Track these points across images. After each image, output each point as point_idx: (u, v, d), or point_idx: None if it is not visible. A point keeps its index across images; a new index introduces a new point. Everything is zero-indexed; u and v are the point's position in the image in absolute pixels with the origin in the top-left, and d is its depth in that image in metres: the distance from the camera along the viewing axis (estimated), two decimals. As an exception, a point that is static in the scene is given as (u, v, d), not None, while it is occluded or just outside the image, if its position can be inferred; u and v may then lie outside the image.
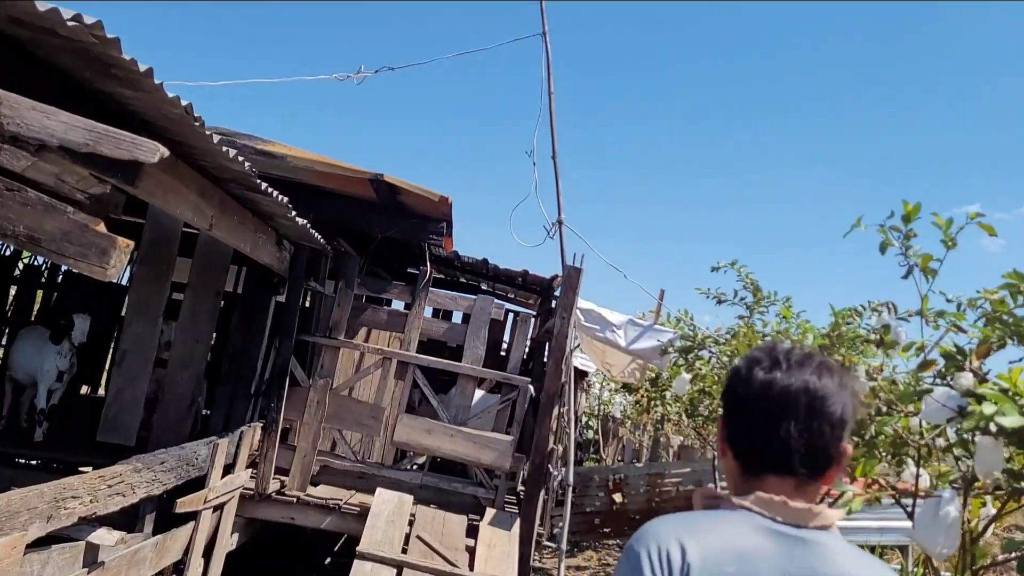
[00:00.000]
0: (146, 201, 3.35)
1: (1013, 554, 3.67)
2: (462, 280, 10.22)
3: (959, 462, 4.08)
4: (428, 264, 6.73)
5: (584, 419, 19.17)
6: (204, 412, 6.97)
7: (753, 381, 1.44)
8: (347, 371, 7.30)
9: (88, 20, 2.24)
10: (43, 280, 10.19)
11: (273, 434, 6.13)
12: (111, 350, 8.05)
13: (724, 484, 1.73)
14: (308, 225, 4.98)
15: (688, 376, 6.60)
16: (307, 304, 7.19)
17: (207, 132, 2.93)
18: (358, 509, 6.24)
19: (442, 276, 10.33)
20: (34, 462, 6.29)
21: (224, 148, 3.15)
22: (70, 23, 2.21)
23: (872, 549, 10.02)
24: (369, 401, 6.85)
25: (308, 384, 6.49)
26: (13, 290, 9.89)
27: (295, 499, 6.30)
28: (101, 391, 9.64)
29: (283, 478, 6.39)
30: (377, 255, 8.82)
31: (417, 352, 7.26)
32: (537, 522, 6.70)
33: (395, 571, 5.52)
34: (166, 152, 2.32)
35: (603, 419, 20.95)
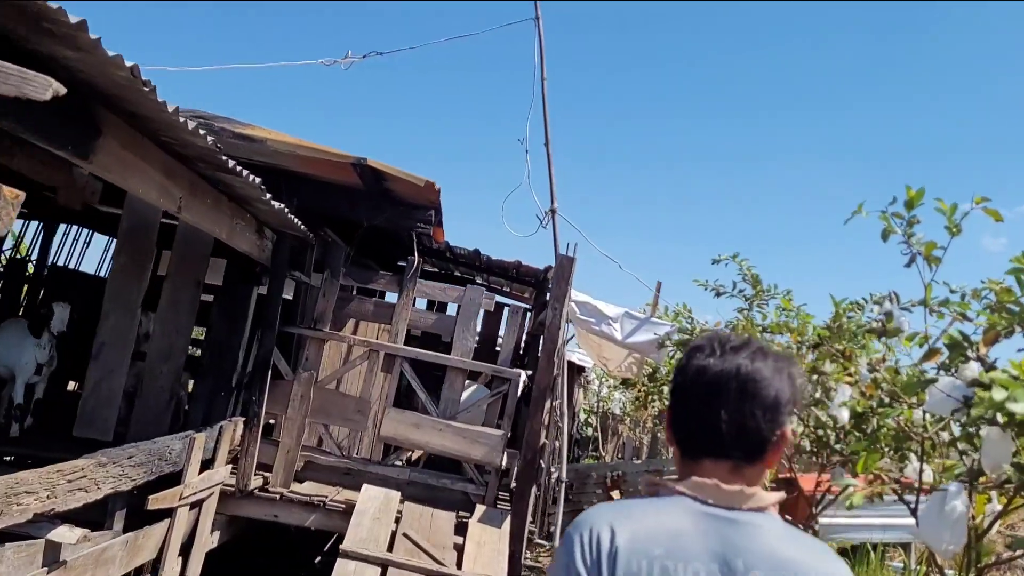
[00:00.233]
0: (102, 177, 3.14)
1: (1019, 552, 3.49)
2: (457, 274, 10.03)
3: (964, 456, 3.94)
4: (416, 254, 6.53)
5: (583, 416, 18.98)
6: (188, 407, 6.78)
7: (690, 368, 1.47)
8: (334, 364, 7.10)
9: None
10: (28, 274, 10.02)
11: (255, 429, 5.93)
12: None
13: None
14: (286, 210, 4.78)
15: (686, 371, 6.41)
16: (292, 295, 6.99)
17: (161, 100, 2.73)
18: (344, 506, 6.04)
19: (436, 270, 10.15)
20: (8, 458, 6.09)
21: (183, 120, 2.94)
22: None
23: (875, 547, 9.85)
24: (355, 395, 6.65)
25: (292, 377, 6.29)
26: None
27: (278, 496, 6.10)
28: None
29: (266, 474, 6.20)
30: (368, 246, 8.63)
31: (413, 346, 7.07)
32: (529, 519, 6.51)
33: (380, 570, 5.32)
34: (61, 89, 2.11)
35: (602, 416, 20.75)
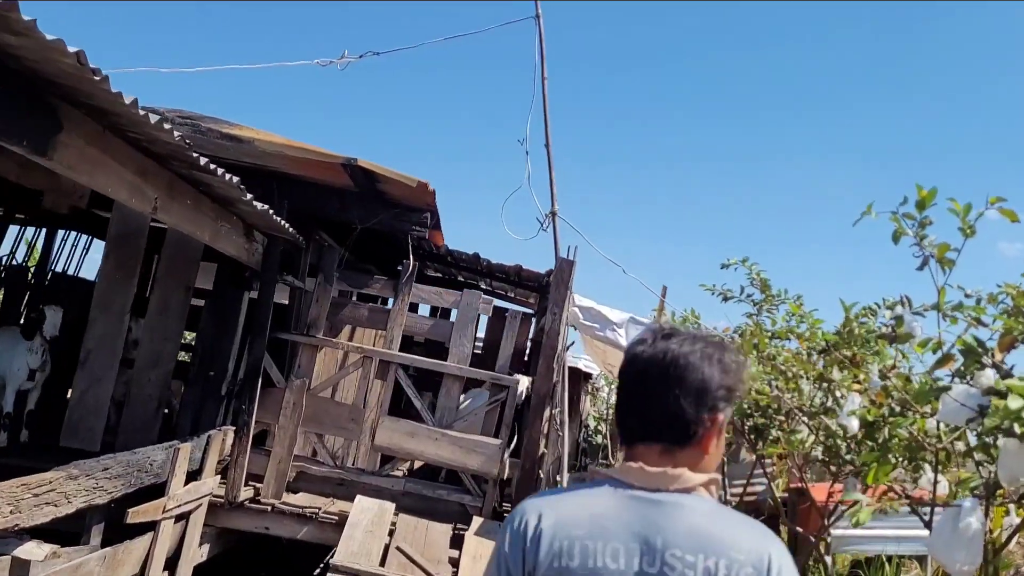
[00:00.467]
0: (65, 175, 2.98)
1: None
2: (461, 279, 9.86)
3: (980, 467, 3.77)
4: (411, 257, 6.35)
5: (592, 423, 18.75)
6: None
7: (626, 357, 1.51)
8: (329, 371, 6.92)
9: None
10: (29, 281, 9.90)
11: (245, 438, 5.76)
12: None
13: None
14: (271, 212, 4.61)
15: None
16: (287, 300, 6.82)
17: (116, 91, 2.56)
18: (337, 518, 5.86)
19: (440, 275, 9.98)
20: (-8, 470, 5.95)
21: (145, 113, 2.78)
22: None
23: (889, 559, 9.60)
24: (350, 403, 6.47)
25: (284, 385, 6.12)
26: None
27: (270, 507, 5.93)
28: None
29: (257, 485, 6.02)
30: (368, 251, 8.46)
31: (417, 354, 6.89)
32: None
33: (371, 585, 5.14)
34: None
35: (612, 424, 20.49)
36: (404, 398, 6.70)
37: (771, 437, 5.99)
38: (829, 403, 5.30)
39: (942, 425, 4.01)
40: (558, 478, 7.00)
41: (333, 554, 5.47)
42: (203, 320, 5.83)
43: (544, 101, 7.17)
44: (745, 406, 5.85)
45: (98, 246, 9.64)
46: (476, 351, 9.56)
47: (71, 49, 2.22)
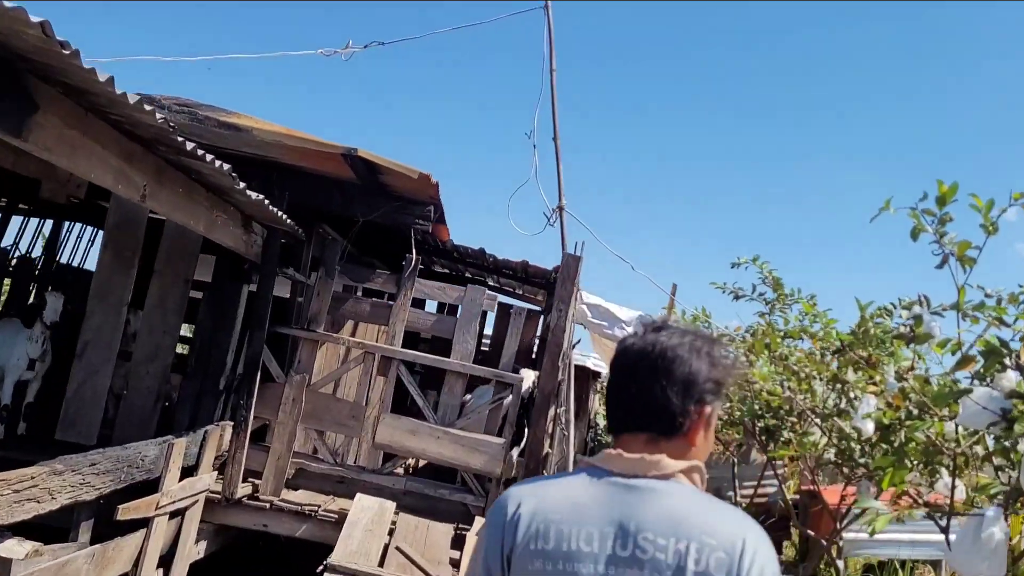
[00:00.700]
0: (44, 158, 2.86)
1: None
2: (468, 276, 9.72)
3: (1000, 473, 3.64)
4: (414, 251, 6.21)
5: (602, 422, 18.58)
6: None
7: (617, 349, 1.53)
8: (330, 367, 6.80)
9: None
10: (37, 272, 9.84)
11: (243, 434, 5.64)
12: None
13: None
14: (266, 202, 4.48)
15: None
16: (289, 295, 6.70)
17: (90, 68, 2.43)
18: (336, 516, 5.73)
19: (446, 271, 9.85)
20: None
21: (122, 92, 2.65)
22: None
23: (902, 564, 9.43)
24: (351, 399, 6.34)
25: (284, 380, 5.99)
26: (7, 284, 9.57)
27: (268, 505, 5.80)
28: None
29: (256, 481, 5.90)
30: (371, 246, 8.33)
31: (422, 350, 6.78)
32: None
33: (369, 586, 5.01)
34: None
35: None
36: (409, 396, 6.57)
37: (783, 439, 5.83)
38: (843, 405, 5.14)
39: (960, 429, 3.88)
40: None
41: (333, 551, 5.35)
42: (201, 313, 5.72)
43: (552, 93, 7.02)
44: (756, 407, 5.70)
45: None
46: (484, 348, 9.44)
47: (34, 19, 2.08)
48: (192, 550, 5.42)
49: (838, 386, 5.09)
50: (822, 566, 9.22)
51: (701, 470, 1.47)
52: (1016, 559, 3.58)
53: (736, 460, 9.03)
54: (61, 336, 6.35)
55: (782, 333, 6.33)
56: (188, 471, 5.22)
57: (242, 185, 4.01)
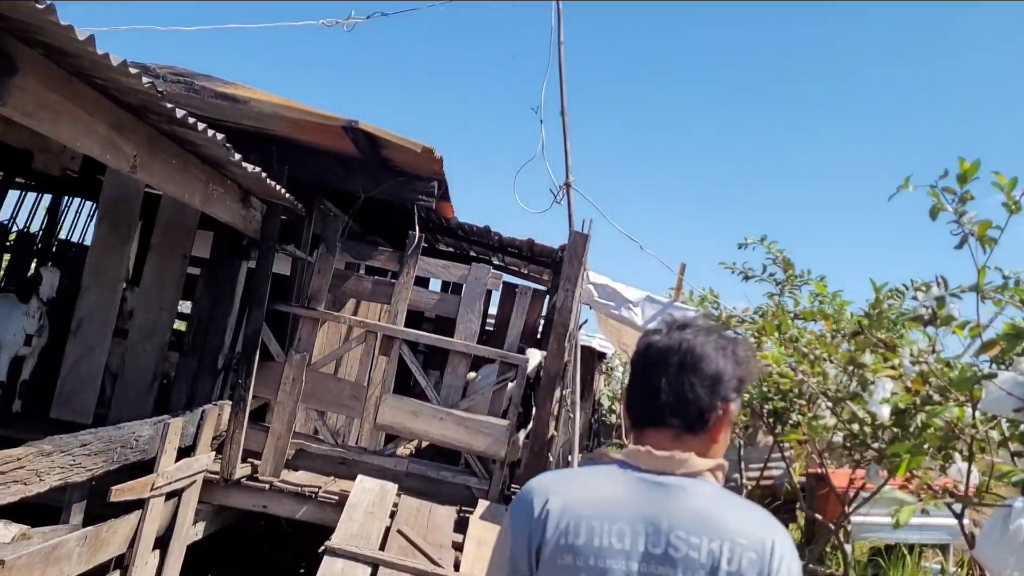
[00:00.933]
0: (25, 124, 2.70)
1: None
2: (472, 254, 9.57)
3: (1017, 459, 3.54)
4: (417, 228, 6.05)
5: (607, 403, 18.50)
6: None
7: (640, 345, 1.56)
8: (331, 346, 6.66)
9: None
10: (37, 247, 9.71)
11: (241, 413, 5.51)
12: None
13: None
14: (264, 175, 4.32)
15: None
16: (289, 272, 6.55)
17: (67, 24, 2.27)
18: (337, 498, 5.62)
19: (451, 249, 9.70)
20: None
21: (104, 52, 2.49)
22: None
23: (911, 548, 9.34)
24: (352, 379, 6.21)
25: (284, 359, 5.86)
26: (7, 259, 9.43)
27: (268, 485, 5.69)
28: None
29: (255, 462, 5.79)
30: (375, 223, 8.18)
31: (426, 330, 6.64)
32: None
33: (370, 570, 4.89)
34: None
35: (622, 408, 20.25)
36: (412, 376, 6.44)
37: (791, 422, 5.70)
38: (856, 388, 5.00)
39: (978, 414, 3.77)
40: (569, 458, 6.75)
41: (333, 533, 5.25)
42: (199, 290, 5.57)
43: (560, 67, 6.82)
44: (765, 388, 5.56)
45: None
46: (488, 328, 9.30)
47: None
48: (190, 531, 5.31)
49: (851, 369, 4.95)
50: (828, 549, 9.12)
51: (724, 468, 1.50)
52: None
53: (742, 442, 8.91)
54: (58, 313, 6.23)
55: (792, 314, 6.20)
56: (185, 451, 5.11)
57: (237, 157, 3.85)
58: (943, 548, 9.70)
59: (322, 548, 5.43)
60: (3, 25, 2.45)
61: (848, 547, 8.21)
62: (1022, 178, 3.09)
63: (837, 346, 5.53)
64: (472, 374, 6.66)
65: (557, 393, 5.84)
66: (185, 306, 8.13)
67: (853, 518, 7.16)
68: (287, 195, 4.97)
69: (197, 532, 5.51)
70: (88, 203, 9.75)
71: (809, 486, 9.15)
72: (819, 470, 8.14)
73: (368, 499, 5.49)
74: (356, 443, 6.22)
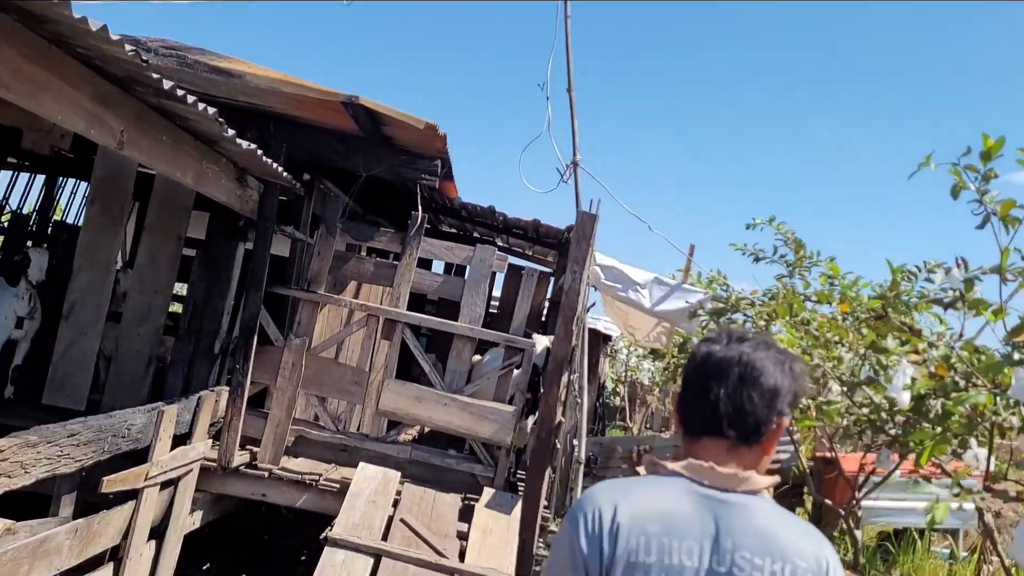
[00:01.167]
0: (2, 97, 2.51)
1: None
2: (475, 235, 9.38)
3: None
4: (420, 208, 5.86)
5: (611, 386, 18.38)
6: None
7: (698, 354, 1.60)
8: (332, 330, 6.49)
9: None
10: (32, 229, 9.53)
11: (239, 399, 5.35)
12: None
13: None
14: (259, 152, 4.13)
15: (719, 342, 5.77)
16: (289, 254, 6.37)
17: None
18: (338, 486, 5.47)
19: (454, 230, 9.52)
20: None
21: (82, 16, 2.29)
22: None
23: (921, 533, 9.23)
24: (353, 364, 6.04)
25: (283, 344, 5.69)
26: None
27: (267, 473, 5.53)
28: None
29: (254, 449, 5.63)
30: (377, 204, 7.99)
31: (428, 314, 6.48)
32: (543, 503, 5.90)
33: (372, 561, 4.75)
34: None
35: (630, 386, 20.14)
36: (415, 361, 6.27)
37: (800, 406, 5.55)
38: (869, 372, 4.84)
39: (998, 399, 3.68)
40: (575, 442, 6.59)
41: (335, 522, 5.11)
42: (194, 273, 5.39)
43: (567, 42, 6.58)
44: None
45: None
46: (492, 310, 9.14)
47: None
48: (187, 521, 5.16)
49: (865, 353, 4.78)
50: (836, 534, 8.99)
51: (776, 483, 1.59)
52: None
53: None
54: (50, 296, 6.05)
55: (803, 297, 6.03)
56: (181, 439, 4.95)
57: (231, 132, 3.66)
58: (953, 533, 9.61)
59: (324, 535, 5.31)
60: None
61: (858, 532, 8.08)
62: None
63: (849, 329, 5.37)
64: (477, 357, 6.50)
65: (564, 378, 5.66)
66: (182, 289, 7.97)
67: (863, 502, 7.04)
68: (284, 174, 4.78)
69: (194, 521, 5.36)
70: (84, 184, 9.55)
71: (817, 470, 9.03)
72: (828, 454, 8.02)
73: (370, 487, 5.34)
74: (358, 429, 6.07)
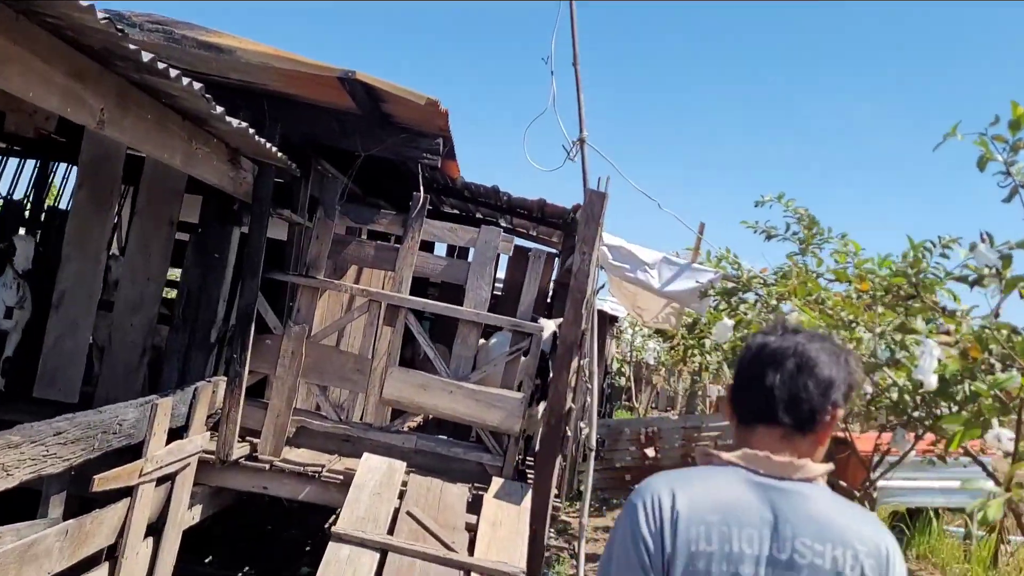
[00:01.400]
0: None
1: None
2: (478, 216, 9.16)
3: None
4: (422, 189, 5.63)
5: (616, 366, 18.21)
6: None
7: (753, 344, 1.63)
8: (332, 317, 6.28)
9: None
10: (26, 217, 9.30)
11: (237, 390, 5.15)
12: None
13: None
14: (251, 131, 3.90)
15: (730, 322, 5.58)
16: (284, 238, 6.15)
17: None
18: (342, 477, 5.29)
19: (456, 211, 9.30)
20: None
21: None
22: None
23: (937, 513, 9.10)
24: (355, 351, 5.84)
25: (282, 332, 5.49)
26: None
27: (267, 465, 5.34)
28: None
29: (254, 440, 5.44)
30: (377, 186, 7.77)
31: (431, 299, 6.28)
32: (554, 491, 5.72)
33: (378, 556, 4.57)
34: None
35: (635, 366, 19.99)
36: (419, 347, 6.06)
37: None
38: (887, 352, 4.65)
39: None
40: (581, 424, 6.41)
41: (338, 514, 4.94)
42: (187, 259, 5.17)
43: (572, 13, 6.33)
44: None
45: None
46: (496, 293, 8.93)
47: None
48: (185, 516, 4.99)
49: (881, 333, 4.59)
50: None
51: (831, 471, 1.53)
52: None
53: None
54: (41, 286, 5.84)
55: (815, 275, 5.83)
56: (177, 432, 4.76)
57: (219, 110, 3.43)
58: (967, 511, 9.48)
59: (328, 523, 5.14)
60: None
61: (874, 514, 7.95)
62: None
63: (863, 308, 5.16)
64: (482, 341, 6.31)
65: (574, 363, 5.46)
66: (177, 276, 7.76)
67: (877, 483, 6.87)
68: (279, 154, 4.56)
69: (194, 516, 5.19)
70: (76, 168, 9.31)
71: (828, 450, 8.89)
72: (840, 434, 7.84)
73: (375, 479, 5.15)
74: (361, 419, 5.88)
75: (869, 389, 4.94)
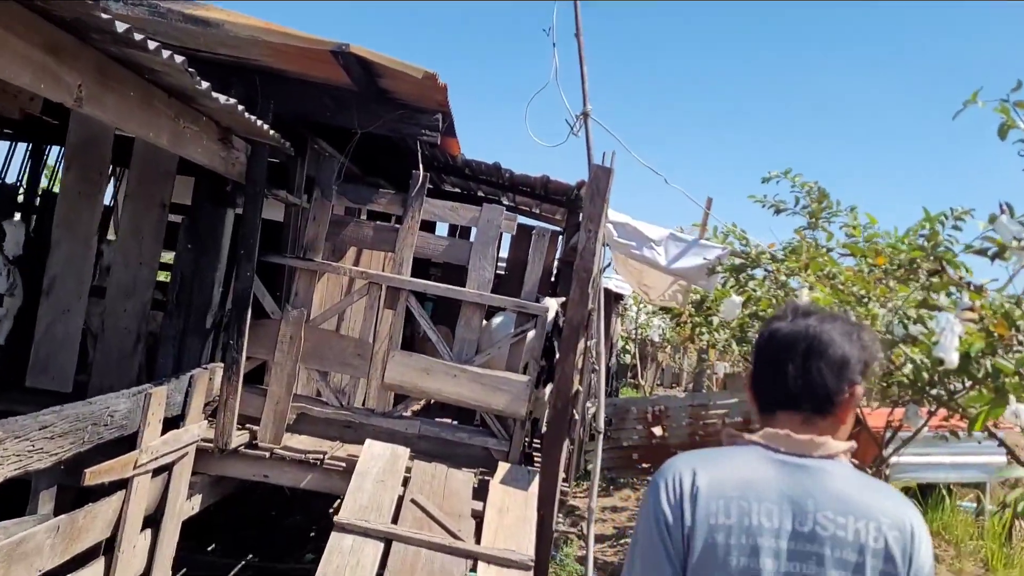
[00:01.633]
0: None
1: None
2: (479, 195, 8.97)
3: None
4: (421, 167, 5.45)
5: (621, 343, 18.08)
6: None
7: (766, 332, 1.65)
8: (331, 300, 6.13)
9: None
10: (19, 202, 9.13)
11: (235, 377, 5.01)
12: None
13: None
14: (240, 107, 3.72)
15: (739, 299, 5.42)
16: (284, 219, 5.98)
17: None
18: (344, 464, 5.16)
19: (457, 190, 9.12)
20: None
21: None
22: None
23: (949, 490, 9.01)
24: (356, 335, 5.69)
25: (279, 316, 5.34)
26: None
27: (268, 453, 5.22)
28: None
29: (254, 428, 5.31)
30: (377, 165, 7.59)
31: (433, 279, 6.11)
32: (562, 475, 5.59)
33: (382, 546, 4.44)
34: None
35: (641, 343, 19.85)
36: (420, 330, 5.91)
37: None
38: (901, 328, 4.50)
39: None
40: (588, 404, 6.28)
41: (342, 500, 4.81)
42: (180, 242, 5.00)
43: (574, -19, 6.12)
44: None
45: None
46: (498, 273, 8.77)
47: None
48: (184, 507, 4.86)
49: (895, 307, 4.44)
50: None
51: (854, 448, 1.54)
52: None
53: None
54: (33, 272, 5.69)
55: (826, 249, 5.66)
56: (174, 422, 4.62)
57: (205, 85, 3.25)
58: (979, 486, 9.40)
59: (332, 509, 5.01)
60: None
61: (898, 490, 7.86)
62: None
63: (874, 281, 5.00)
64: (485, 322, 6.16)
65: (581, 344, 5.31)
66: (171, 260, 7.60)
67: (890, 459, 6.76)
68: (272, 132, 4.38)
69: (193, 506, 5.07)
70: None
71: (842, 426, 8.79)
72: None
73: (378, 466, 5.02)
74: (363, 404, 5.73)
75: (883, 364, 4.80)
